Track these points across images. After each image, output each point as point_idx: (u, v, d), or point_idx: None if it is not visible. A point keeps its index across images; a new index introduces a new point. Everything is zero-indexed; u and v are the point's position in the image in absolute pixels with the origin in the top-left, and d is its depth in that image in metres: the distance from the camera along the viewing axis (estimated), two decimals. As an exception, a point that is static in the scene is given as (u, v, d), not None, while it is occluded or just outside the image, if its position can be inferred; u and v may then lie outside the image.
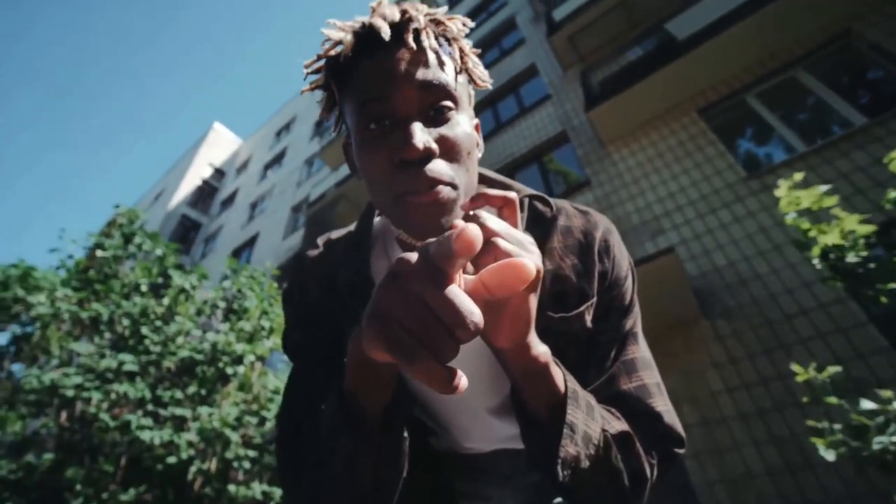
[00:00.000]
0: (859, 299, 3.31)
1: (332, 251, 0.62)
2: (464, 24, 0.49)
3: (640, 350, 0.55)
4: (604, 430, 0.43)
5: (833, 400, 1.87)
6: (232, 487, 4.62)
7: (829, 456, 1.71)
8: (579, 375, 0.49)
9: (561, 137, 6.74)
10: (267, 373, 5.75)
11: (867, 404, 1.74)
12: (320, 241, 0.64)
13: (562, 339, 0.51)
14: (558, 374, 0.42)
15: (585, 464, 0.41)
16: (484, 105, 8.80)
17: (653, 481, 0.47)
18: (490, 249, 0.31)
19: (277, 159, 16.38)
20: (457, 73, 0.47)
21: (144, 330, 5.22)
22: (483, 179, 0.61)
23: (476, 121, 0.53)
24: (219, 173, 20.61)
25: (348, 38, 0.44)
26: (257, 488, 4.54)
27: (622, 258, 0.57)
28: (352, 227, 0.64)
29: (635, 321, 0.57)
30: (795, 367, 1.99)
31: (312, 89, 0.49)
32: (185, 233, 17.89)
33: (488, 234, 0.32)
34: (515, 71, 8.57)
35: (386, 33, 0.42)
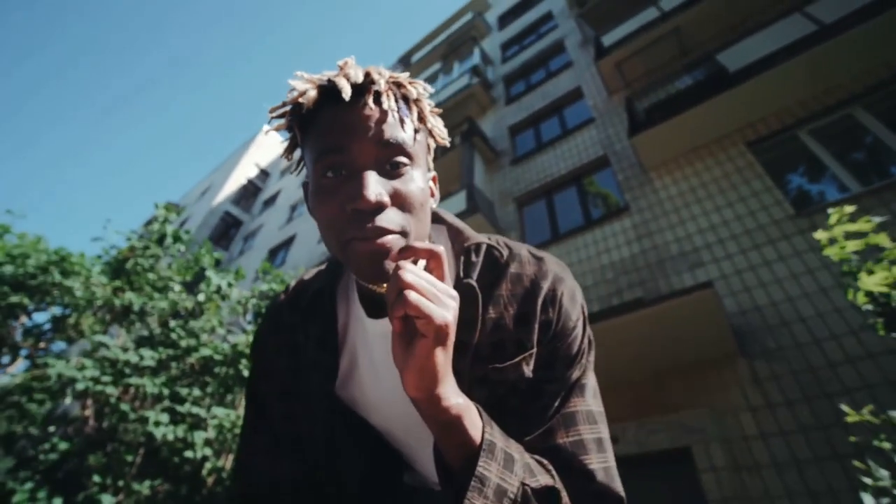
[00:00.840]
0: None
1: (300, 297, 0.64)
2: (424, 89, 0.53)
3: (585, 403, 0.54)
4: (523, 484, 0.43)
5: (885, 445, 1.83)
6: None
7: (870, 502, 1.67)
8: (521, 424, 0.51)
9: (602, 161, 6.75)
10: None
11: None
12: (292, 282, 0.68)
13: (500, 387, 0.53)
14: (475, 425, 0.43)
15: None
16: (527, 125, 8.92)
17: None
18: (402, 302, 0.36)
19: (295, 163, 17.05)
20: (415, 132, 0.50)
21: (173, 324, 5.43)
22: (440, 221, 0.64)
23: (432, 174, 0.58)
24: (263, 174, 21.56)
25: (312, 92, 0.47)
26: None
27: (572, 308, 0.57)
28: (322, 267, 0.68)
29: (584, 372, 0.56)
30: (846, 409, 1.91)
31: (276, 130, 0.52)
32: (227, 229, 18.72)
33: (402, 286, 0.36)
34: (560, 93, 8.67)
35: (347, 93, 0.45)
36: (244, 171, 21.05)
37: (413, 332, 0.38)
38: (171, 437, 4.24)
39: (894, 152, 4.23)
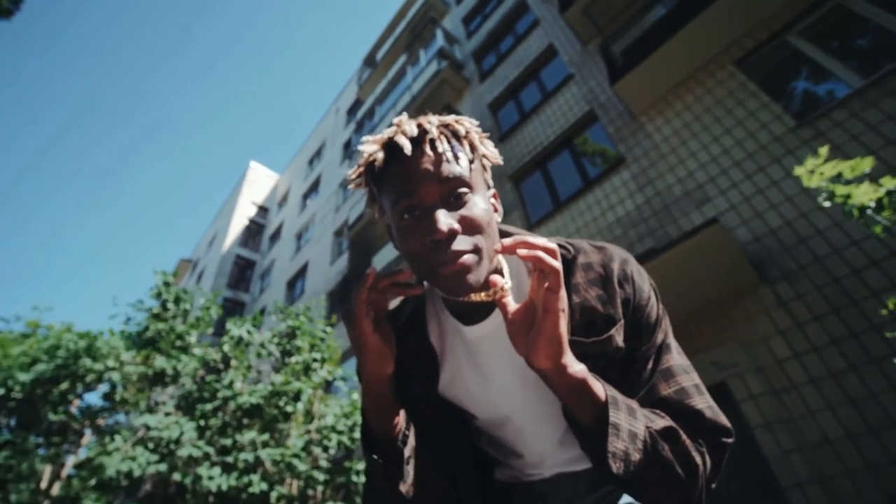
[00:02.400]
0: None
1: (391, 321, 0.73)
2: (471, 123, 0.60)
3: (675, 358, 0.61)
4: (648, 427, 0.50)
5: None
6: None
7: None
8: (623, 391, 0.57)
9: (589, 117, 6.51)
10: (328, 398, 6.10)
11: None
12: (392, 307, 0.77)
13: (600, 361, 0.60)
14: (597, 386, 0.50)
15: (636, 456, 0.48)
16: (505, 98, 8.68)
17: (706, 469, 0.53)
18: (536, 260, 0.44)
19: (314, 187, 16.93)
20: (470, 163, 0.57)
21: (208, 378, 5.71)
22: (507, 235, 0.71)
23: (492, 191, 0.64)
24: (262, 210, 21.73)
25: (380, 154, 0.56)
26: None
27: (642, 282, 0.64)
28: (403, 298, 0.76)
29: (666, 333, 0.63)
30: (889, 303, 1.88)
31: (356, 188, 0.62)
32: (241, 272, 18.90)
33: (545, 268, 0.44)
34: (533, 55, 8.37)
35: (408, 149, 0.53)
36: (243, 212, 21.17)
37: (531, 316, 0.48)
38: (224, 487, 4.57)
39: (893, 35, 3.91)
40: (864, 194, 1.71)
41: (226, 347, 6.04)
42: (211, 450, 4.96)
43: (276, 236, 18.52)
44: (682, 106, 5.18)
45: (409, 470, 0.60)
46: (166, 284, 6.95)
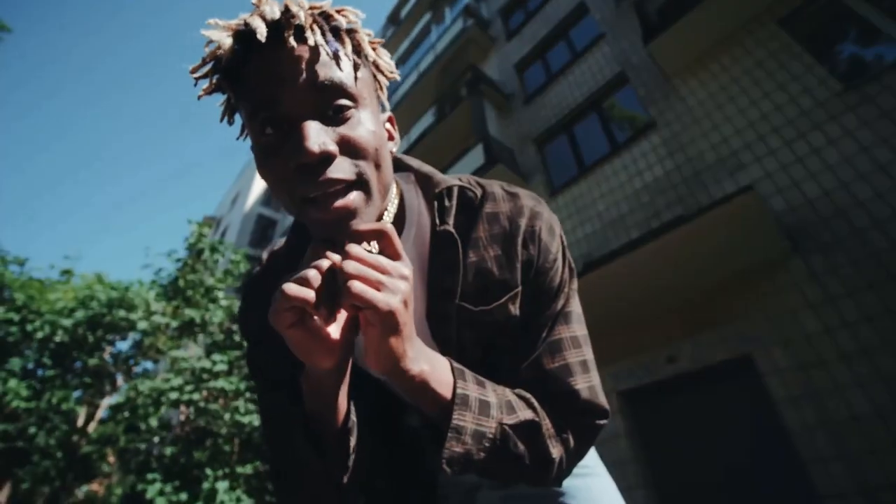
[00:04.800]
0: None
1: (274, 265, 0.62)
2: (356, 16, 0.46)
3: (570, 329, 0.56)
4: (501, 424, 0.47)
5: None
6: None
7: None
8: (511, 360, 0.55)
9: (620, 79, 6.30)
10: None
11: None
12: (265, 255, 0.66)
13: (488, 328, 0.55)
14: (445, 383, 0.45)
15: (480, 455, 0.45)
16: (533, 58, 8.42)
17: (567, 457, 0.51)
18: (346, 293, 0.35)
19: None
20: (355, 69, 0.44)
21: (234, 327, 5.94)
22: (406, 168, 0.61)
23: (387, 114, 0.53)
24: (287, 168, 21.90)
25: (227, 40, 0.41)
26: None
27: (551, 241, 0.57)
28: (290, 234, 0.64)
29: (567, 299, 0.58)
30: None
31: (209, 93, 0.45)
32: (263, 231, 19.26)
33: (345, 278, 0.36)
34: (563, 13, 8.03)
35: (262, 34, 0.39)
36: (268, 170, 21.44)
37: (365, 319, 0.38)
38: (255, 423, 4.74)
39: (957, -8, 3.66)
40: None
41: None
42: (243, 385, 5.16)
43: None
44: (719, 68, 4.97)
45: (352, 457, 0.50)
46: (201, 236, 7.12)
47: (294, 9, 0.41)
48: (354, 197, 0.42)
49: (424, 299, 0.56)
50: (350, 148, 0.42)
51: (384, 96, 0.52)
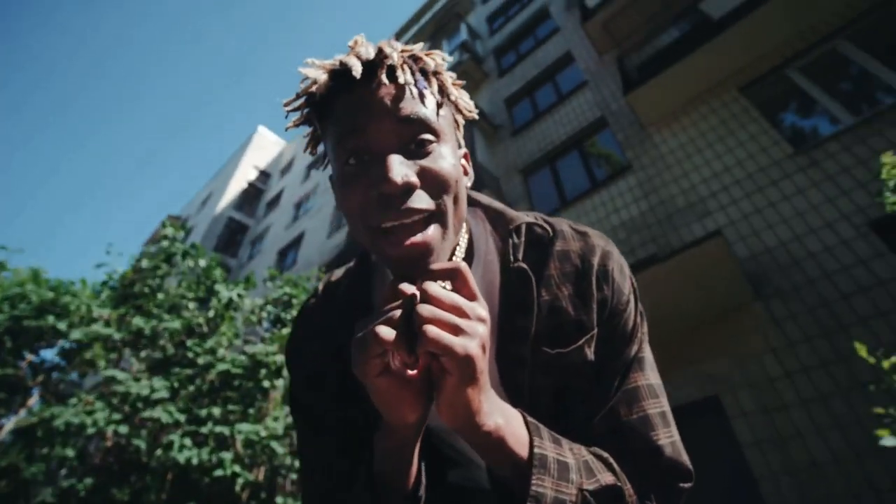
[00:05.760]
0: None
1: (333, 298, 0.61)
2: (443, 59, 0.49)
3: (645, 377, 0.53)
4: (582, 490, 0.41)
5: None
6: (280, 499, 4.53)
7: (889, 442, 1.75)
8: (585, 407, 0.51)
9: (600, 123, 6.90)
10: None
11: None
12: (320, 286, 0.65)
13: (564, 372, 0.51)
14: (520, 441, 0.41)
15: None
16: (521, 95, 9.02)
17: None
18: (423, 338, 0.33)
19: (322, 159, 16.99)
20: (438, 106, 0.47)
21: (189, 342, 5.23)
22: (475, 204, 0.62)
23: (463, 150, 0.54)
24: (264, 175, 21.61)
25: (322, 76, 0.45)
26: None
27: (623, 282, 0.55)
28: (351, 264, 0.64)
29: (641, 344, 0.55)
30: (859, 349, 1.93)
31: (297, 125, 0.49)
32: (232, 235, 18.68)
33: (421, 321, 0.34)
34: (551, 59, 8.74)
35: (357, 71, 0.42)
36: (244, 175, 21.10)
37: (440, 367, 0.35)
38: (195, 461, 4.12)
39: (881, 80, 4.39)
40: None
41: (211, 312, 5.67)
42: (182, 417, 4.48)
43: (274, 203, 18.45)
44: (688, 122, 5.60)
45: None
46: (174, 241, 6.36)
47: (388, 50, 0.45)
48: (432, 232, 0.42)
49: (493, 342, 0.52)
50: (430, 180, 0.43)
51: (461, 134, 0.54)
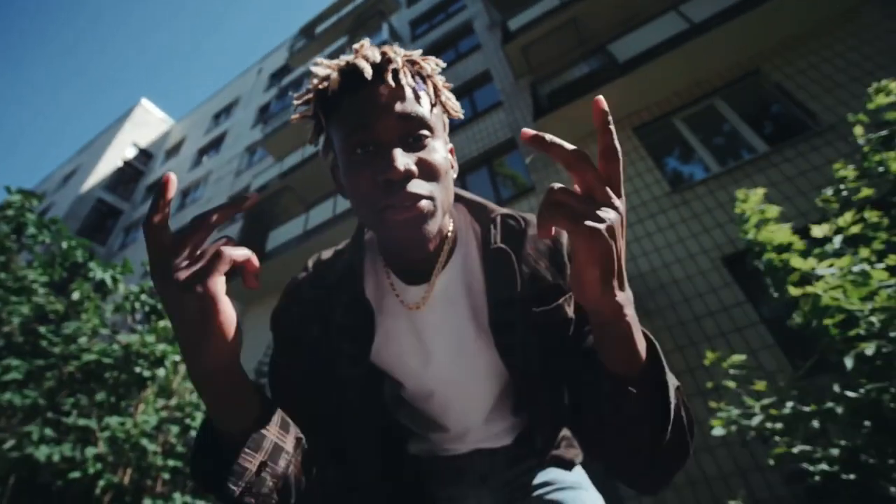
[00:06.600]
0: (753, 302, 3.89)
1: (323, 274, 0.65)
2: (437, 64, 0.56)
3: None
4: (678, 388, 0.45)
5: (731, 384, 2.21)
6: (148, 501, 4.16)
7: (719, 431, 2.05)
8: (578, 363, 0.56)
9: (510, 143, 7.04)
10: None
11: (754, 403, 2.08)
12: (310, 262, 0.68)
13: (550, 332, 0.58)
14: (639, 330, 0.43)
15: (681, 414, 0.44)
16: (437, 106, 8.94)
17: None
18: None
19: (214, 144, 15.31)
20: (432, 106, 0.53)
21: (43, 329, 4.64)
22: (459, 199, 0.67)
23: (450, 145, 0.59)
24: (145, 155, 18.90)
25: (334, 75, 0.51)
26: (178, 499, 4.06)
27: None
28: (340, 247, 0.69)
29: None
30: (708, 353, 2.25)
31: (302, 118, 0.56)
32: (101, 220, 16.22)
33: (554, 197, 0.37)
34: (470, 75, 8.79)
35: (368, 73, 0.48)
36: (119, 152, 18.24)
37: (589, 235, 0.34)
38: (56, 457, 3.63)
39: (743, 138, 5.03)
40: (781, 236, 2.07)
41: (75, 295, 5.00)
42: (43, 401, 3.92)
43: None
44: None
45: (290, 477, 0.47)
46: (25, 210, 5.48)
47: (391, 55, 0.51)
48: (427, 204, 0.48)
49: (485, 312, 0.60)
50: (426, 170, 0.50)
51: (447, 131, 0.60)
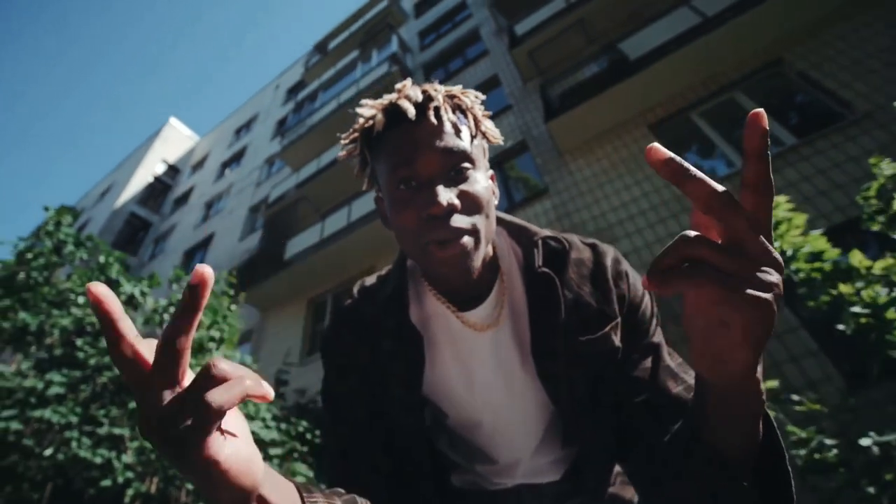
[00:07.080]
0: (791, 306, 3.61)
1: (368, 299, 0.66)
2: (476, 97, 0.58)
3: (672, 357, 0.59)
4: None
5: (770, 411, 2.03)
6: None
7: None
8: (622, 391, 0.56)
9: (521, 146, 6.95)
10: None
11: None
12: (355, 289, 0.69)
13: (595, 360, 0.57)
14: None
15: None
16: (448, 112, 8.94)
17: None
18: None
19: (236, 158, 15.81)
20: (472, 137, 0.55)
21: (80, 342, 4.77)
22: (499, 221, 0.67)
23: (491, 172, 0.60)
24: (172, 170, 19.64)
25: (379, 116, 0.53)
26: None
27: (636, 280, 0.62)
28: (383, 273, 0.70)
29: (658, 332, 0.62)
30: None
31: (349, 155, 0.59)
32: (134, 232, 16.91)
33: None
34: (478, 81, 8.77)
35: (412, 113, 0.51)
36: (150, 169, 19.03)
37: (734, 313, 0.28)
38: (98, 460, 3.78)
39: (769, 131, 4.78)
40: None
41: None
42: (75, 419, 4.04)
43: (182, 200, 16.78)
44: (602, 153, 5.76)
45: None
46: (59, 224, 5.77)
47: (432, 93, 0.53)
48: (469, 241, 0.49)
49: (528, 338, 0.59)
50: (467, 202, 0.51)
51: (486, 158, 0.60)
